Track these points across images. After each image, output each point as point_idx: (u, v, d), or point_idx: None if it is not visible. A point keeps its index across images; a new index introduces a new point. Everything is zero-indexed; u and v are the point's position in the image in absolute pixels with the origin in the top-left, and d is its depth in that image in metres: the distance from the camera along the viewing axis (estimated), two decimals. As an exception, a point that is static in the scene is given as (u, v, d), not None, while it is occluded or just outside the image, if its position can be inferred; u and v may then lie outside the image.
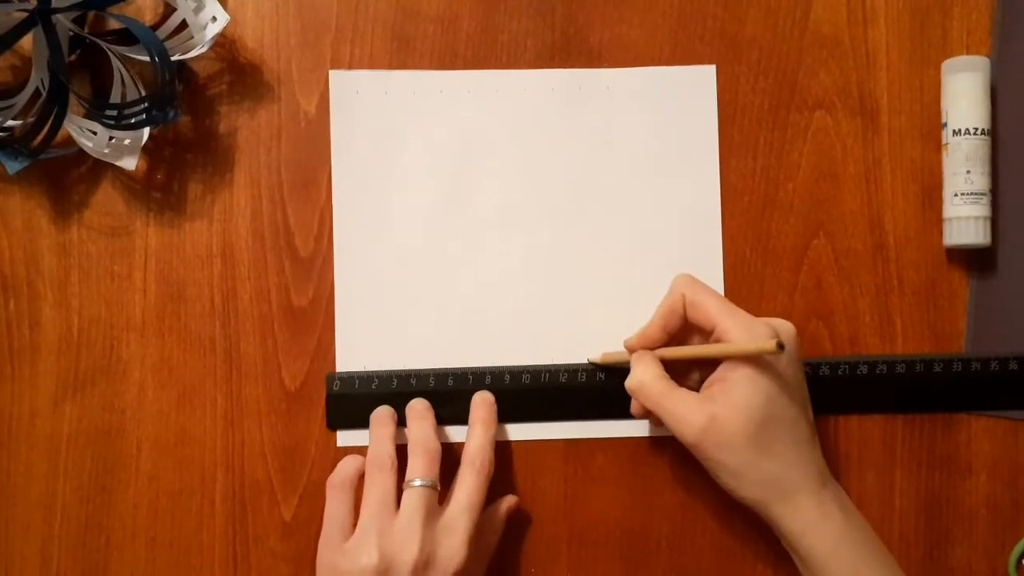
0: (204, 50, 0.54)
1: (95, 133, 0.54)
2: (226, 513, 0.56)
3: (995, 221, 0.57)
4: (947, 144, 0.57)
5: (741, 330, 0.50)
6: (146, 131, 0.55)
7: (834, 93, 0.58)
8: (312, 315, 0.57)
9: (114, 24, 0.56)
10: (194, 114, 0.58)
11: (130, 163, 0.54)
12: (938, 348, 0.57)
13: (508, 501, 0.56)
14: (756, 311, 0.56)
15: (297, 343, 0.57)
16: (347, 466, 0.54)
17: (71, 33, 0.55)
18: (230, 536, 0.56)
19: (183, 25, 0.55)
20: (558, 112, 0.58)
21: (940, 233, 0.58)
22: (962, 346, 0.57)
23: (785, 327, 0.51)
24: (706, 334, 0.52)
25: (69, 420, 0.56)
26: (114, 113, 0.54)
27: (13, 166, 0.54)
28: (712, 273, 0.57)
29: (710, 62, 0.58)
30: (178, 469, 0.56)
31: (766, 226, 0.58)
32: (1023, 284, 0.57)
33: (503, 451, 0.57)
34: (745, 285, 0.58)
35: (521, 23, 0.58)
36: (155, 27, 0.55)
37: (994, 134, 0.57)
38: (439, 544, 0.49)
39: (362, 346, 0.57)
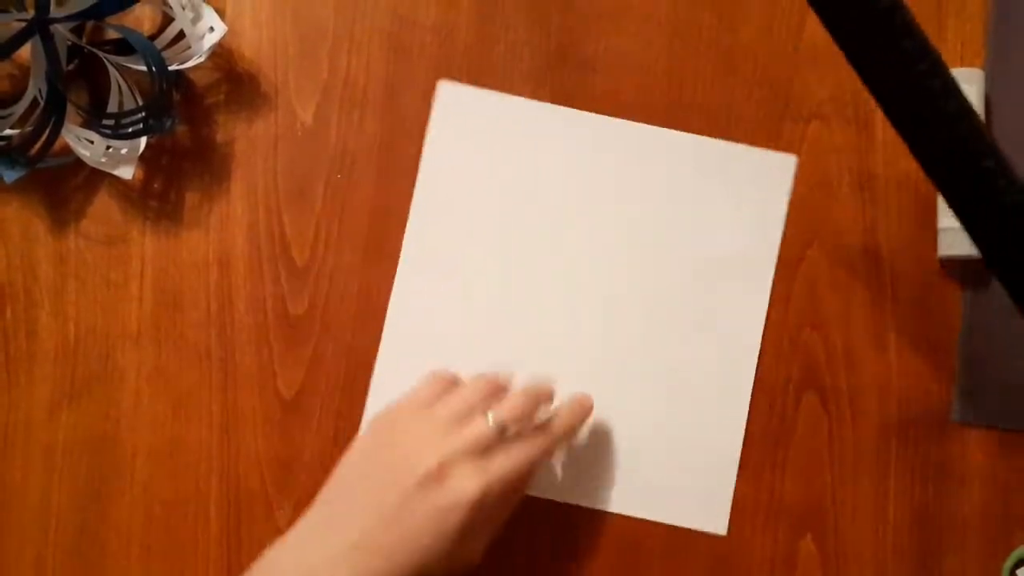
0: (202, 60, 0.55)
1: (92, 142, 0.55)
2: (221, 522, 0.56)
3: (989, 232, 0.57)
4: (941, 155, 0.57)
5: None
6: (143, 140, 0.55)
7: (828, 104, 0.59)
8: (307, 324, 0.57)
9: (112, 34, 0.56)
10: (191, 123, 0.58)
11: (127, 172, 0.55)
12: (932, 358, 0.58)
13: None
14: (750, 321, 0.57)
15: (292, 352, 0.57)
16: (436, 383, 0.53)
17: (69, 43, 0.55)
18: (224, 545, 0.56)
19: (181, 35, 0.55)
20: (631, 165, 0.58)
21: (934, 244, 0.58)
22: (956, 356, 0.57)
23: None
24: None
25: (65, 428, 0.56)
26: (111, 122, 0.55)
27: (10, 175, 0.54)
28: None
29: (705, 73, 0.59)
30: (173, 477, 0.56)
31: (761, 236, 0.58)
32: (1017, 295, 0.57)
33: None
34: (740, 295, 0.58)
35: (518, 33, 0.59)
36: (153, 37, 0.56)
37: (988, 145, 0.57)
38: (462, 472, 0.48)
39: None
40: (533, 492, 0.57)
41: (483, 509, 0.48)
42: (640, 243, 0.58)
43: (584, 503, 0.57)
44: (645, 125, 0.58)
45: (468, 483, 0.48)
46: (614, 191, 0.58)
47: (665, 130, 0.58)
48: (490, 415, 0.50)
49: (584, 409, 0.55)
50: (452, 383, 0.54)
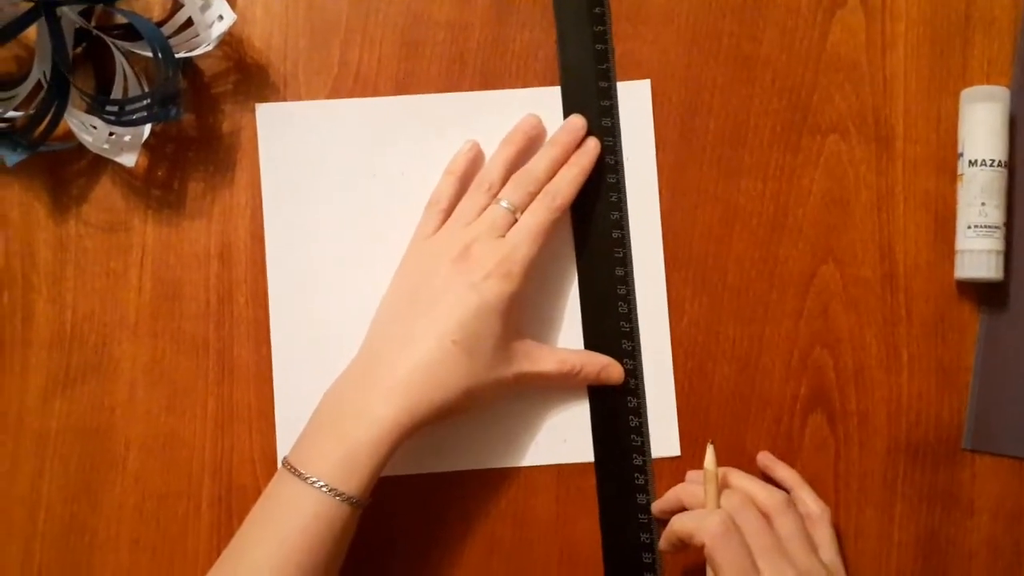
0: (210, 48, 0.54)
1: (95, 128, 0.54)
2: (212, 518, 0.55)
3: (1008, 255, 0.55)
4: (962, 174, 0.56)
5: None
6: (147, 128, 0.54)
7: (849, 118, 0.57)
8: (307, 321, 0.56)
9: (121, 19, 0.55)
10: (198, 112, 0.57)
11: (130, 159, 0.54)
12: (945, 382, 0.56)
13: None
14: (759, 336, 0.57)
15: (291, 349, 0.56)
16: (447, 187, 0.55)
17: (77, 26, 0.55)
18: (215, 541, 0.55)
19: (189, 22, 0.54)
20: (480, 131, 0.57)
21: (951, 265, 0.56)
22: (969, 381, 0.56)
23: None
24: None
25: (58, 416, 0.55)
26: (115, 108, 0.54)
27: (12, 157, 0.53)
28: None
29: (723, 81, 0.57)
30: (165, 471, 0.55)
31: (774, 250, 0.57)
32: (1035, 321, 0.56)
33: (496, 474, 0.56)
34: (749, 309, 0.57)
35: (533, 34, 0.58)
36: (161, 23, 0.55)
37: (1011, 166, 0.56)
38: (486, 248, 0.52)
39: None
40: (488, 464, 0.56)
41: (510, 280, 0.51)
42: None
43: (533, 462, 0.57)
44: (488, 91, 0.58)
45: (491, 253, 0.52)
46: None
47: (516, 90, 0.58)
48: (503, 202, 0.53)
49: (591, 154, 0.56)
50: (445, 198, 0.55)
